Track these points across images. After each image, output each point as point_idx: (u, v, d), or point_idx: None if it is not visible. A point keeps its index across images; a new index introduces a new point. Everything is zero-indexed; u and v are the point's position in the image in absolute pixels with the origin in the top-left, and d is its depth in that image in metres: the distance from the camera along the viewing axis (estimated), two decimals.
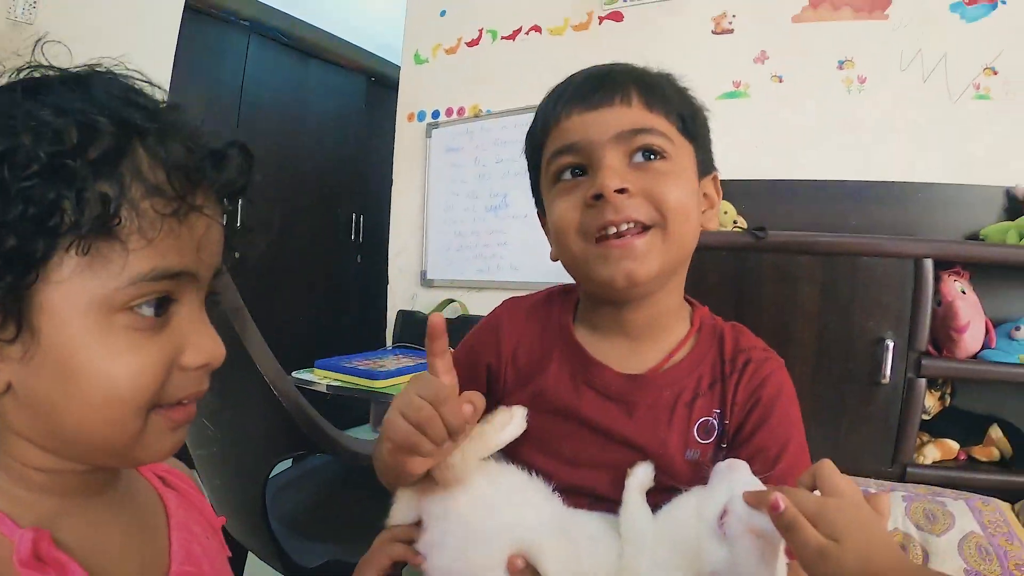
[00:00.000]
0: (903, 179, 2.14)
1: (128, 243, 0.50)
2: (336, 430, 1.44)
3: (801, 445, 0.85)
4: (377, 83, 4.83)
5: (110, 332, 0.52)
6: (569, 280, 0.96)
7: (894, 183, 2.14)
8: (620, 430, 0.86)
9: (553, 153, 0.87)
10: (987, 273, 1.82)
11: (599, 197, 0.80)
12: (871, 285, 1.68)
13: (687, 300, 0.96)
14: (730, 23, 2.49)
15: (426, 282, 3.23)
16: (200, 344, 0.57)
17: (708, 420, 0.85)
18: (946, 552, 1.32)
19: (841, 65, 2.29)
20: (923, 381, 1.67)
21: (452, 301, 3.06)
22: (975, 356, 1.72)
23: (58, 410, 0.52)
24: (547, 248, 0.96)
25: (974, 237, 2.00)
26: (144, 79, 0.59)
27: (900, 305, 1.66)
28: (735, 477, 0.72)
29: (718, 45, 2.51)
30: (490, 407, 0.88)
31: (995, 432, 1.77)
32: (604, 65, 0.91)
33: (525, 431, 0.87)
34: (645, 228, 0.80)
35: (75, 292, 0.50)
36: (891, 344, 1.64)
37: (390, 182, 3.44)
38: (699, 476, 0.78)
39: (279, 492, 1.83)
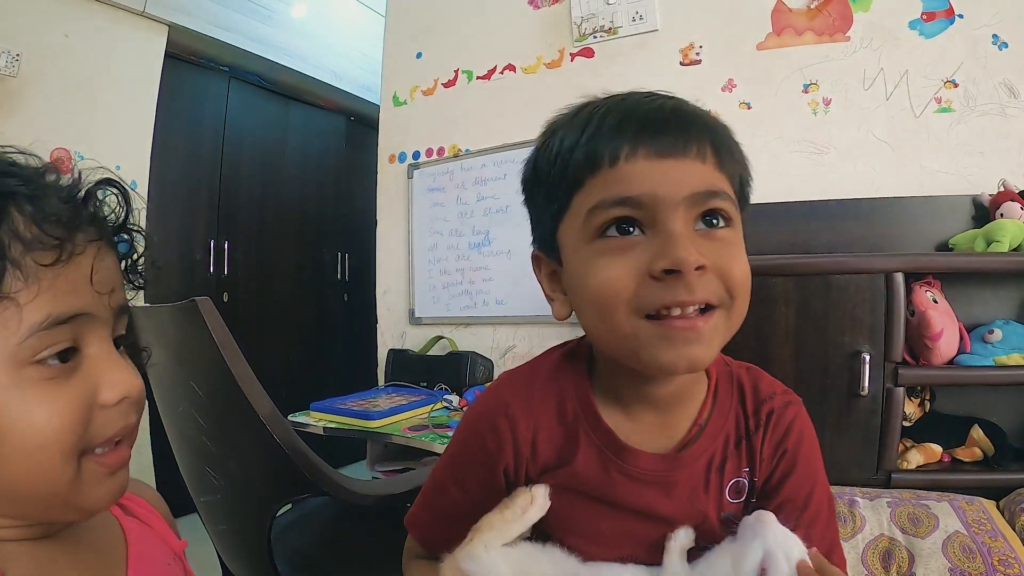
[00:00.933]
0: (872, 195, 2.19)
1: (19, 299, 0.51)
2: (336, 472, 1.45)
3: (824, 485, 0.84)
4: (357, 122, 4.93)
5: (22, 386, 0.52)
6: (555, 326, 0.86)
7: (863, 200, 2.18)
8: (659, 510, 0.80)
9: (603, 203, 0.70)
10: (958, 281, 1.87)
11: (671, 272, 0.66)
12: (845, 301, 1.72)
13: None
14: (697, 54, 2.55)
15: (415, 320, 3.25)
16: (114, 380, 0.58)
17: (739, 481, 0.81)
18: (930, 553, 1.36)
19: (806, 88, 2.35)
20: (901, 390, 1.72)
21: (441, 338, 3.07)
22: (951, 362, 1.76)
23: None
24: (532, 282, 0.86)
25: (944, 247, 2.05)
26: (17, 151, 0.59)
27: (874, 319, 1.71)
28: (767, 530, 0.69)
29: (687, 76, 2.56)
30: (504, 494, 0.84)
31: (976, 433, 1.81)
32: (663, 95, 0.75)
33: (554, 514, 0.80)
34: (711, 308, 0.69)
35: None
36: (867, 357, 1.69)
37: (374, 220, 3.47)
38: (730, 530, 0.77)
39: (281, 534, 1.81)
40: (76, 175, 0.60)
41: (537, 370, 0.89)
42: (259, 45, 4.05)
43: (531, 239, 0.85)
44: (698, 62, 2.55)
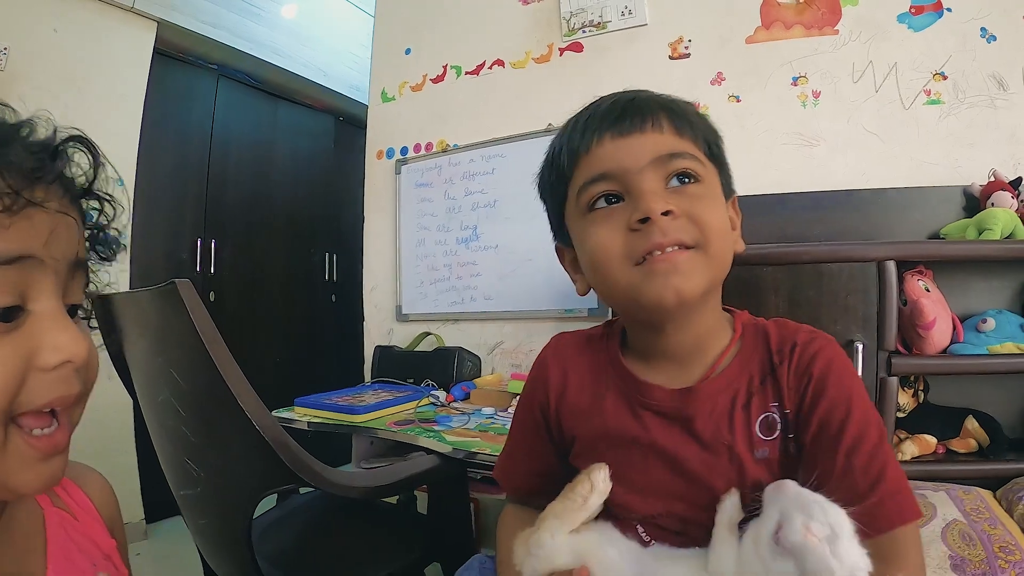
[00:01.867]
0: (863, 186, 2.17)
1: None
2: (319, 463, 1.41)
3: (865, 413, 0.81)
4: (346, 122, 4.89)
5: None
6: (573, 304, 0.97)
7: (854, 191, 2.16)
8: (689, 455, 0.86)
9: (585, 183, 0.86)
10: (950, 270, 1.84)
11: (645, 221, 0.80)
12: (837, 290, 1.68)
13: (726, 309, 0.96)
14: (686, 48, 2.52)
15: (402, 317, 3.21)
16: (58, 342, 0.54)
17: (769, 416, 0.85)
18: (929, 541, 1.31)
19: (795, 81, 2.32)
20: (895, 380, 1.67)
21: (428, 334, 3.04)
22: (944, 351, 1.72)
23: None
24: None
25: (936, 237, 2.02)
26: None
27: (866, 307, 1.67)
28: (783, 494, 0.71)
29: (676, 70, 2.54)
30: (548, 447, 1.02)
31: (971, 423, 1.78)
32: (626, 92, 0.90)
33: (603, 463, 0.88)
34: (687, 248, 0.80)
35: None
36: (860, 346, 1.65)
37: (361, 220, 3.44)
38: (776, 478, 0.77)
39: (265, 531, 1.82)
40: (51, 132, 0.57)
41: (578, 333, 1.06)
42: (248, 43, 4.01)
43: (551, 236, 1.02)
44: (687, 56, 2.53)
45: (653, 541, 0.86)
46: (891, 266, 1.65)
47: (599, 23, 2.69)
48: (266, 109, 4.43)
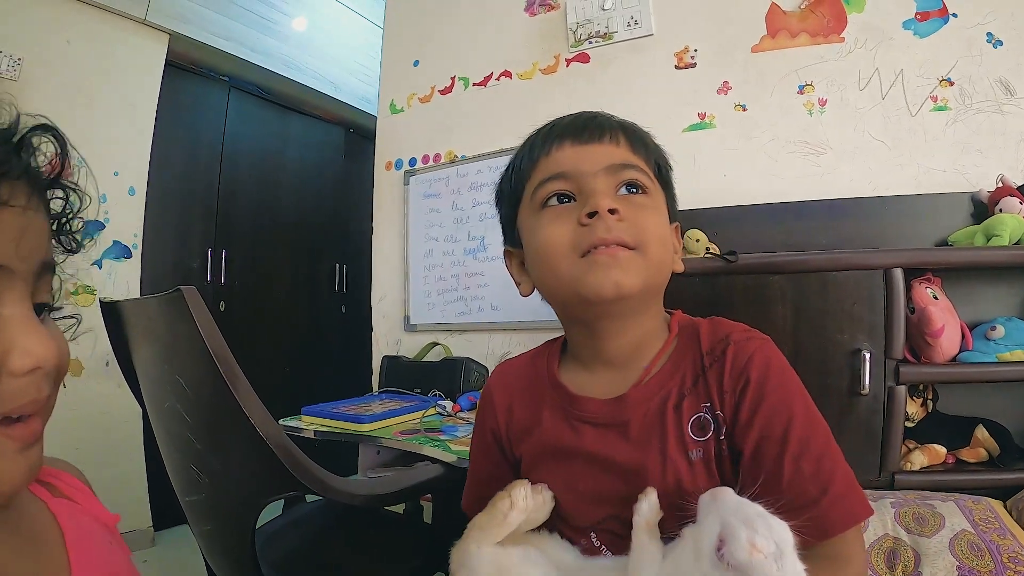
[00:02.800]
0: (870, 194, 2.14)
1: None
2: (322, 470, 1.41)
3: (808, 415, 0.83)
4: (355, 134, 4.92)
5: None
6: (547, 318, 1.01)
7: (861, 199, 2.13)
8: (619, 455, 0.88)
9: (542, 181, 0.91)
10: (958, 277, 1.82)
11: (593, 215, 0.85)
12: (843, 299, 1.66)
13: (667, 312, 0.99)
14: (692, 57, 2.51)
15: (410, 327, 3.21)
16: (28, 346, 0.52)
17: (700, 416, 0.86)
18: (937, 552, 1.29)
19: (801, 89, 2.30)
20: (903, 388, 1.64)
21: (436, 345, 3.03)
22: (953, 359, 1.69)
23: None
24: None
25: (944, 244, 1.99)
26: None
27: (873, 316, 1.64)
28: (722, 503, 0.69)
29: (682, 79, 2.53)
30: (506, 469, 1.03)
31: (981, 433, 1.74)
32: (588, 111, 0.96)
33: (540, 480, 0.93)
34: (628, 249, 0.85)
35: None
36: (868, 355, 1.61)
37: (371, 231, 3.44)
38: (712, 479, 0.82)
39: (269, 540, 1.82)
40: (14, 118, 0.54)
41: (521, 356, 1.09)
42: (259, 55, 4.04)
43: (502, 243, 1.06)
44: (693, 65, 2.51)
45: (604, 547, 0.88)
46: (898, 274, 1.62)
47: (605, 33, 2.68)
48: (276, 120, 4.46)
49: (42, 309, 0.57)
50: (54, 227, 0.59)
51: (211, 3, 3.77)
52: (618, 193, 0.88)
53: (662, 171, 0.96)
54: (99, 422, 3.12)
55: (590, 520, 0.90)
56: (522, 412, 1.01)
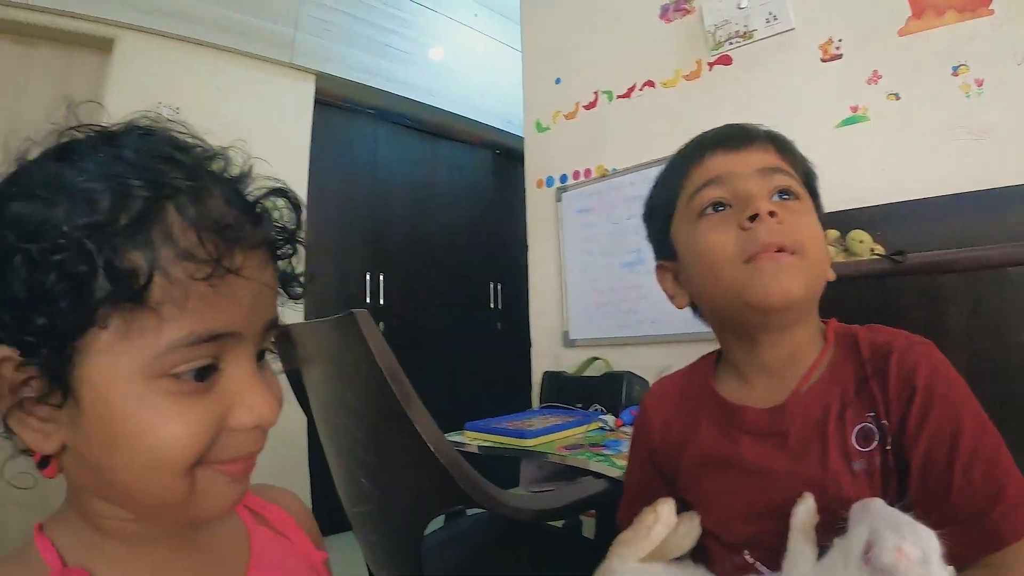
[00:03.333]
0: None
1: (161, 311, 0.50)
2: (492, 485, 1.47)
3: (977, 422, 0.82)
4: (502, 155, 5.26)
5: (152, 399, 0.52)
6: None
7: None
8: (777, 465, 0.90)
9: (697, 188, 0.97)
10: None
11: (754, 219, 0.89)
12: (1023, 297, 1.56)
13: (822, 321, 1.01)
14: (837, 48, 2.51)
15: (569, 342, 3.32)
16: (251, 403, 0.57)
17: (864, 426, 0.86)
18: None
19: (955, 71, 2.26)
20: None
21: (596, 359, 3.10)
22: None
23: (107, 472, 0.53)
24: None
25: None
26: (186, 130, 0.60)
27: None
28: (871, 512, 0.71)
29: (829, 72, 2.53)
30: (660, 486, 1.07)
31: None
32: (735, 123, 1.03)
33: (696, 493, 0.99)
34: (790, 254, 0.88)
35: (113, 362, 0.51)
36: None
37: (524, 249, 3.59)
38: (875, 491, 0.81)
39: (431, 551, 1.90)
40: (245, 167, 0.61)
41: (676, 372, 1.15)
42: (403, 87, 4.38)
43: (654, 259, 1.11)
44: (839, 56, 2.51)
45: (758, 564, 0.89)
46: None
47: (745, 33, 2.73)
48: (425, 147, 4.82)
49: (262, 355, 0.62)
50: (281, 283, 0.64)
51: (352, 42, 4.16)
52: (772, 200, 0.92)
53: (809, 180, 1.00)
54: (269, 435, 3.37)
55: (744, 536, 0.92)
56: (678, 427, 1.05)
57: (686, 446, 1.03)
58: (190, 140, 0.60)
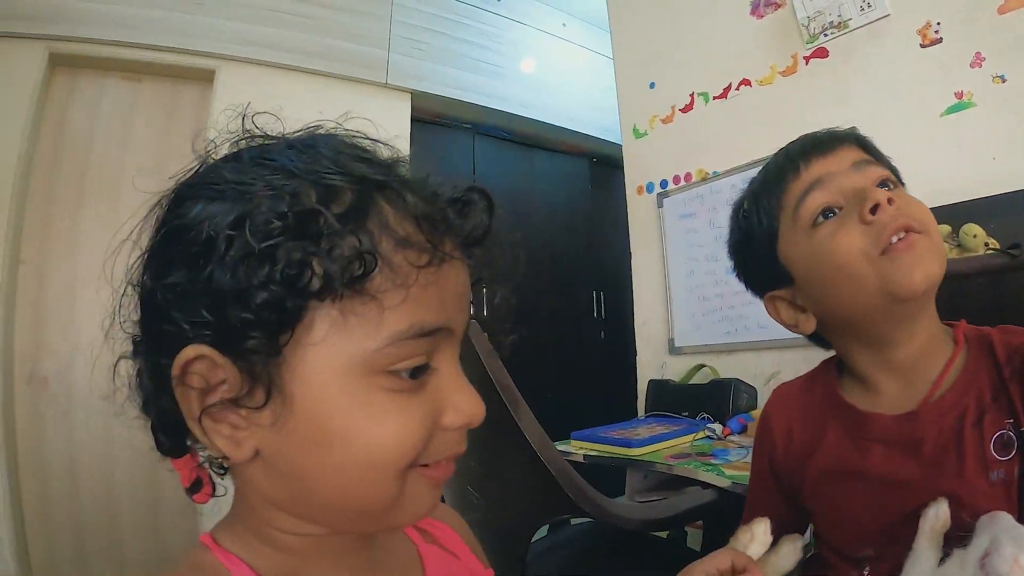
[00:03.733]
0: None
1: (383, 300, 0.50)
2: (600, 494, 1.51)
3: None
4: (599, 163, 5.36)
5: (371, 395, 0.52)
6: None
7: None
8: (910, 475, 0.89)
9: (799, 198, 0.98)
10: None
11: (874, 210, 0.89)
12: None
13: (945, 323, 1.00)
14: (936, 32, 2.46)
15: (674, 350, 3.35)
16: (460, 404, 0.57)
17: (1003, 433, 0.85)
18: None
19: None
20: None
21: (703, 366, 3.13)
22: None
23: (311, 476, 0.53)
24: None
25: None
26: (366, 137, 0.62)
27: None
28: (998, 523, 0.71)
29: (930, 58, 2.48)
30: (779, 498, 1.12)
31: None
32: (812, 131, 1.05)
33: (820, 504, 1.03)
34: (917, 234, 0.89)
35: (331, 354, 0.51)
36: None
37: (626, 256, 3.62)
38: (1011, 503, 0.81)
39: (537, 558, 1.93)
40: (424, 173, 0.61)
41: (797, 380, 1.15)
42: (497, 100, 4.54)
43: (757, 297, 1.13)
44: (939, 41, 2.46)
45: None
46: None
47: (839, 23, 2.71)
48: (521, 159, 4.99)
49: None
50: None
51: (444, 59, 4.36)
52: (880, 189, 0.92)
53: (896, 175, 1.01)
54: None
55: (866, 550, 0.93)
56: (802, 435, 1.05)
57: (812, 455, 1.03)
58: (369, 145, 0.62)
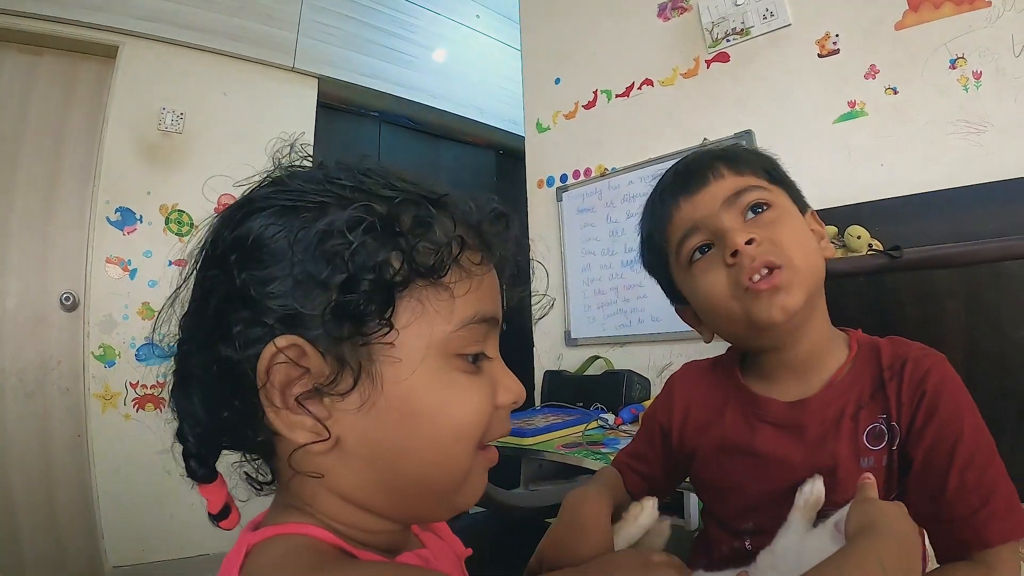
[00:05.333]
0: None
1: (455, 291, 0.58)
2: (492, 486, 1.49)
3: (976, 430, 0.88)
4: (506, 155, 5.22)
5: (450, 374, 0.58)
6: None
7: None
8: (793, 456, 0.96)
9: (678, 242, 1.02)
10: None
11: (735, 254, 0.93)
12: (1019, 291, 1.54)
13: (841, 330, 1.07)
14: (834, 43, 2.48)
15: (570, 341, 3.32)
16: (511, 385, 0.65)
17: (876, 426, 0.93)
18: None
19: (953, 64, 2.22)
20: None
21: (598, 358, 3.11)
22: None
23: (400, 454, 0.58)
24: None
25: None
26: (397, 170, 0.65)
27: None
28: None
29: (827, 68, 2.50)
30: (664, 459, 1.17)
31: None
32: (684, 158, 1.09)
33: (709, 474, 1.07)
34: (778, 268, 0.92)
35: (416, 335, 0.56)
36: None
37: (527, 249, 3.53)
38: (880, 485, 0.86)
39: None
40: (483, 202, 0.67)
41: (706, 360, 1.20)
42: (405, 89, 4.38)
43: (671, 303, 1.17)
44: (836, 52, 2.48)
45: (756, 552, 0.91)
46: None
47: (742, 30, 2.71)
48: (428, 149, 4.83)
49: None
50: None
51: (354, 45, 4.17)
52: (747, 219, 0.97)
53: (773, 173, 1.04)
54: None
55: (748, 522, 0.99)
56: (700, 412, 1.12)
57: (708, 430, 1.09)
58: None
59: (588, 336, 3.27)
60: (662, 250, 1.07)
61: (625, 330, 3.12)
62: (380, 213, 0.55)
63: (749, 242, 0.92)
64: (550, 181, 3.50)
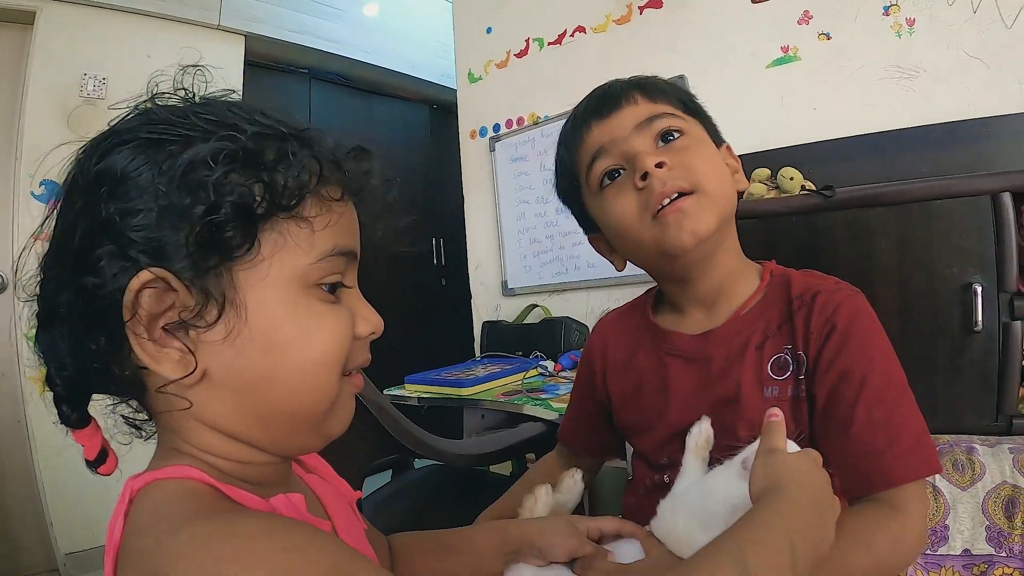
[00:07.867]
0: (970, 116, 1.96)
1: (314, 224, 0.56)
2: (422, 430, 1.46)
3: (887, 366, 0.85)
4: (440, 110, 4.96)
5: (311, 304, 0.56)
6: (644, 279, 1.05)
7: (961, 122, 1.96)
8: (701, 388, 0.93)
9: (588, 165, 0.96)
10: None
11: (645, 177, 0.88)
12: (949, 230, 1.52)
13: (757, 262, 1.02)
14: None
15: (508, 291, 3.24)
16: (366, 315, 0.63)
17: (780, 356, 0.89)
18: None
19: (887, 11, 2.13)
20: (1019, 324, 1.49)
21: (535, 307, 3.04)
22: None
23: (266, 383, 0.55)
24: None
25: None
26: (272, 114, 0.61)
27: (982, 246, 1.49)
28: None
29: (760, 13, 2.39)
30: (598, 407, 1.14)
31: None
32: (600, 85, 1.01)
33: (628, 414, 1.04)
34: (688, 194, 0.87)
35: (276, 267, 0.54)
36: (979, 288, 1.47)
37: (462, 201, 3.47)
38: (785, 415, 0.77)
39: (379, 506, 1.84)
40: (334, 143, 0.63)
41: (622, 307, 1.17)
42: (335, 44, 4.11)
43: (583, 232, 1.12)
44: None
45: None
46: (1007, 199, 1.47)
47: None
48: (360, 106, 4.56)
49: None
50: None
51: (281, 0, 3.85)
52: (658, 147, 0.91)
53: (689, 104, 0.98)
54: None
55: (664, 457, 0.95)
56: (617, 353, 1.09)
57: (624, 371, 1.06)
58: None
59: (525, 285, 3.19)
60: (573, 175, 1.01)
61: (562, 278, 3.06)
62: (244, 146, 0.53)
63: (660, 165, 0.88)
64: (483, 131, 3.38)
